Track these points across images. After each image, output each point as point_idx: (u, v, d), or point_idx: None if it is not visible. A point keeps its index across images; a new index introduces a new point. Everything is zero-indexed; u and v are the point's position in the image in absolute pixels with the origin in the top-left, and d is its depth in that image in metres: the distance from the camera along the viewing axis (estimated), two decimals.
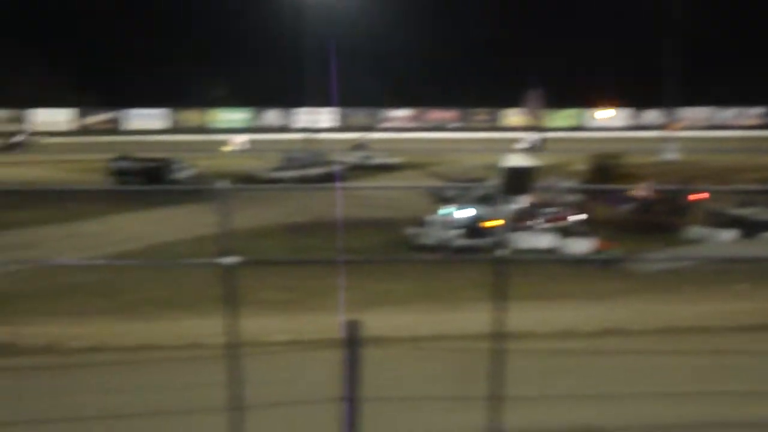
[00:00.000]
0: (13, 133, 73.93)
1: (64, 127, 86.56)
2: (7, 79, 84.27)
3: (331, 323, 15.12)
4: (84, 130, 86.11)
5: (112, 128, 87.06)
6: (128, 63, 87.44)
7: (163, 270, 23.93)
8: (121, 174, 47.48)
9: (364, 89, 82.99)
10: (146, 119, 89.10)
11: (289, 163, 55.75)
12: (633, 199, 35.00)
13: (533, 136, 77.16)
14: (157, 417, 10.62)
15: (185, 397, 11.54)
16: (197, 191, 37.85)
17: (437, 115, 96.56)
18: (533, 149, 70.96)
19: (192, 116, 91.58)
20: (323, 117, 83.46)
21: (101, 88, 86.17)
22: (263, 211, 34.31)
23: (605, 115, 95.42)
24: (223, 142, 70.23)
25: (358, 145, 72.47)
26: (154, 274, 23.62)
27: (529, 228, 31.26)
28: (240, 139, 71.73)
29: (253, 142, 70.32)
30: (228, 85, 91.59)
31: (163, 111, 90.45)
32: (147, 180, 46.14)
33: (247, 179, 47.89)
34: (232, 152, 66.61)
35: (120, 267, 25.74)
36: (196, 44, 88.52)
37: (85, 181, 49.07)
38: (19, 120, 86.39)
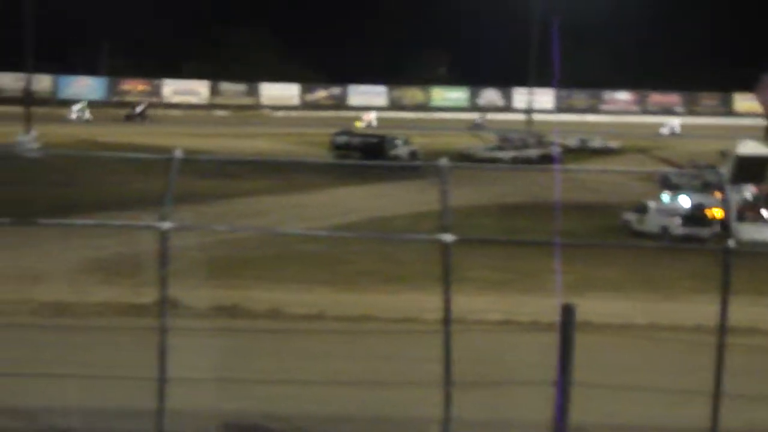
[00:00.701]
0: (135, 104, 76.43)
1: (292, 102, 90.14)
2: (241, 55, 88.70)
3: (543, 305, 15.09)
4: (308, 105, 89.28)
5: (335, 104, 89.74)
6: (353, 41, 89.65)
7: (380, 243, 24.53)
8: (342, 148, 49.03)
9: (586, 70, 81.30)
10: (368, 96, 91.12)
11: (506, 143, 55.70)
12: None
13: (674, 122, 73.88)
14: (373, 386, 10.98)
15: (400, 369, 11.88)
16: (415, 168, 38.46)
17: (660, 98, 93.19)
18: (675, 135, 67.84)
19: (412, 94, 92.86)
20: (542, 98, 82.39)
21: (327, 64, 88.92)
22: (477, 189, 34.48)
23: None
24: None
25: (476, 125, 71.50)
26: (372, 247, 24.25)
27: (758, 219, 29.79)
28: (370, 116, 73.11)
29: (397, 119, 71.40)
30: (449, 64, 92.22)
31: (384, 88, 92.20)
32: (367, 155, 47.38)
33: (464, 158, 48.26)
34: (366, 127, 68.00)
35: (339, 238, 26.60)
36: (420, 23, 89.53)
37: (308, 154, 50.98)
38: (251, 94, 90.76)
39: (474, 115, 79.55)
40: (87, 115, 70.31)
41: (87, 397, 10.42)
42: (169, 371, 8.56)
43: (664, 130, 73.24)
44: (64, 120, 65.50)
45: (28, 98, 54.68)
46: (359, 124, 69.87)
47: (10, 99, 71.21)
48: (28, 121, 50.57)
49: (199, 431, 9.93)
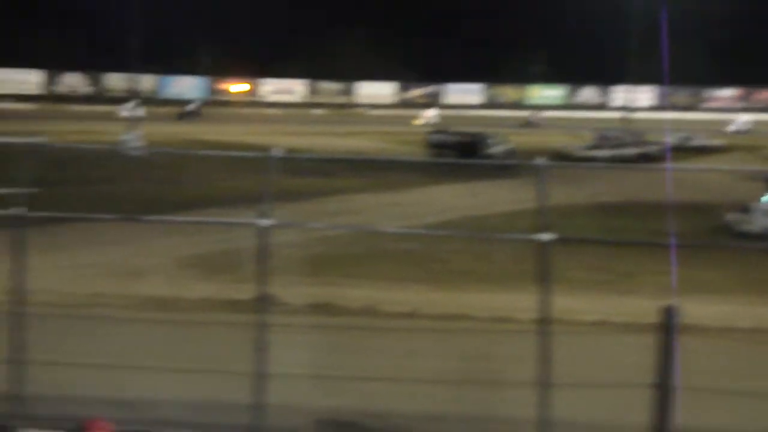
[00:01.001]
0: (187, 102, 76.89)
1: (387, 100, 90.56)
2: (336, 54, 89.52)
3: (641, 307, 14.78)
4: (404, 103, 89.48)
5: (431, 102, 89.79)
6: (450, 39, 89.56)
7: (474, 242, 24.40)
8: (437, 146, 48.98)
9: (688, 66, 79.34)
10: (463, 94, 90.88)
11: (603, 142, 54.87)
12: None
13: (742, 119, 71.09)
14: (467, 385, 10.96)
15: (495, 368, 11.80)
16: (510, 166, 38.20)
17: (767, 95, 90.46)
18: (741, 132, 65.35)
19: (509, 92, 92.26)
20: (641, 95, 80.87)
21: (423, 63, 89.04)
22: (574, 188, 34.00)
23: None
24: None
25: (527, 123, 69.91)
26: (465, 246, 24.12)
27: None
28: (430, 113, 72.23)
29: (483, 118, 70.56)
30: (546, 61, 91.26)
31: (480, 86, 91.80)
32: (462, 153, 47.22)
33: (560, 156, 47.67)
34: (423, 125, 66.89)
35: (433, 236, 26.57)
36: (517, 21, 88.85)
37: (402, 152, 51.12)
38: (347, 92, 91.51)
39: (571, 114, 78.58)
40: (140, 112, 71.70)
41: (186, 390, 10.65)
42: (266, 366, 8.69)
43: (732, 128, 71.23)
44: (114, 118, 66.29)
45: (130, 98, 56.29)
46: (417, 122, 69.53)
47: (115, 99, 73.40)
48: (132, 120, 52.07)
49: (295, 426, 10.05)
